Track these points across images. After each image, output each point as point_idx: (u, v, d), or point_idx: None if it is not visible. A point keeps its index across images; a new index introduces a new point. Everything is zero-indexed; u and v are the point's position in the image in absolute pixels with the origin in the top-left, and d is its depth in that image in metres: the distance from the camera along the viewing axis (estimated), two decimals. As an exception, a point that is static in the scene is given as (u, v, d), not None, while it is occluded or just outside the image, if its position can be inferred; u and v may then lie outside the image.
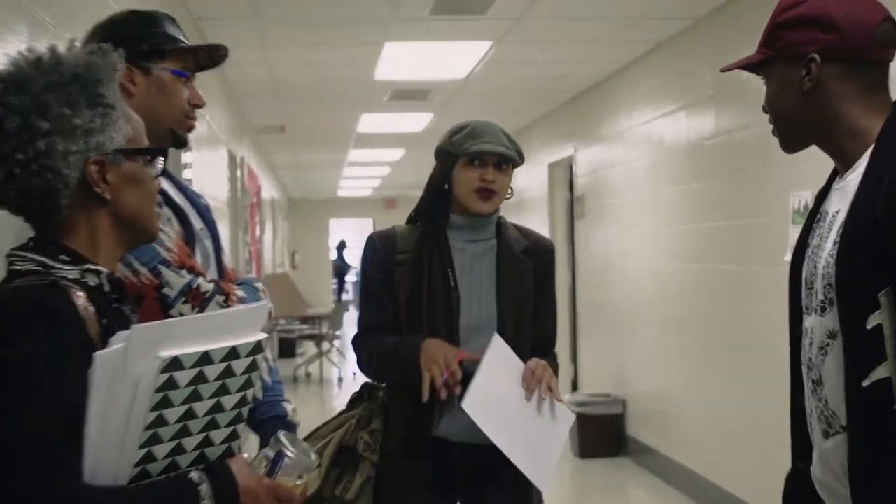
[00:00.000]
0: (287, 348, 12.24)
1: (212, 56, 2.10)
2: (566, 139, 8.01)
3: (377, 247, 2.44)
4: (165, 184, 2.05)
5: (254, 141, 9.34)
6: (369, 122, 8.85)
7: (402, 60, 6.13)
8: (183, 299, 1.85)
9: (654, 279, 6.02)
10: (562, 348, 8.57)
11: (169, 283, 1.84)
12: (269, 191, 11.91)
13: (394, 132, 9.58)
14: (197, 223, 2.08)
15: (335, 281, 21.72)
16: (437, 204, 2.43)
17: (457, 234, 2.42)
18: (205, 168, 5.27)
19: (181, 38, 2.01)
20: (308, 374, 11.03)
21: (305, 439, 2.53)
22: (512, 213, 10.92)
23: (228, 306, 1.91)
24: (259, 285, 2.08)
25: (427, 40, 5.64)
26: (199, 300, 1.86)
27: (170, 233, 1.88)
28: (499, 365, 2.29)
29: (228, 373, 1.37)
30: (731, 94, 4.79)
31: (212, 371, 1.34)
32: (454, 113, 8.41)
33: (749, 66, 1.63)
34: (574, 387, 7.99)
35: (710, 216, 5.23)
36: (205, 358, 1.33)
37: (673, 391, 5.84)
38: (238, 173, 7.19)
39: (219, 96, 6.23)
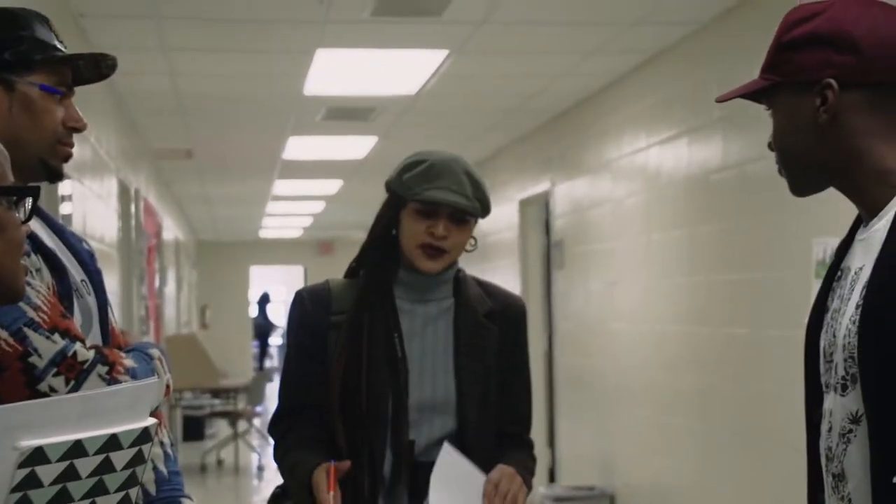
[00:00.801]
0: (194, 429, 12.12)
1: (97, 67, 2.09)
2: (541, 171, 8.08)
3: (306, 306, 2.43)
4: (36, 225, 2.03)
5: (153, 169, 9.32)
6: (298, 147, 8.87)
7: (338, 72, 6.18)
8: (55, 370, 1.82)
9: (648, 345, 6.06)
10: (537, 429, 8.57)
11: (37, 349, 1.81)
12: (172, 230, 11.87)
13: (329, 159, 9.62)
14: (77, 274, 2.06)
15: (256, 344, 21.59)
16: (383, 253, 2.43)
17: (405, 291, 2.42)
18: (88, 202, 5.24)
19: (55, 43, 2.00)
20: (220, 462, 10.92)
21: None
22: (474, 262, 10.98)
23: (113, 380, 1.88)
24: (154, 352, 2.06)
25: (368, 47, 5.69)
26: (74, 371, 1.84)
27: (38, 287, 1.85)
28: (452, 481, 2.29)
29: (107, 467, 1.35)
30: (742, 118, 4.86)
31: (85, 465, 1.32)
32: (403, 136, 8.48)
33: (751, 94, 1.66)
34: (551, 477, 7.99)
35: (717, 267, 5.29)
36: (76, 449, 1.30)
37: (672, 483, 5.85)
38: (132, 208, 7.16)
39: (108, 113, 6.21)
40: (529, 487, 2.39)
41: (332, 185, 11.83)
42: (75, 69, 2.05)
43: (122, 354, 1.97)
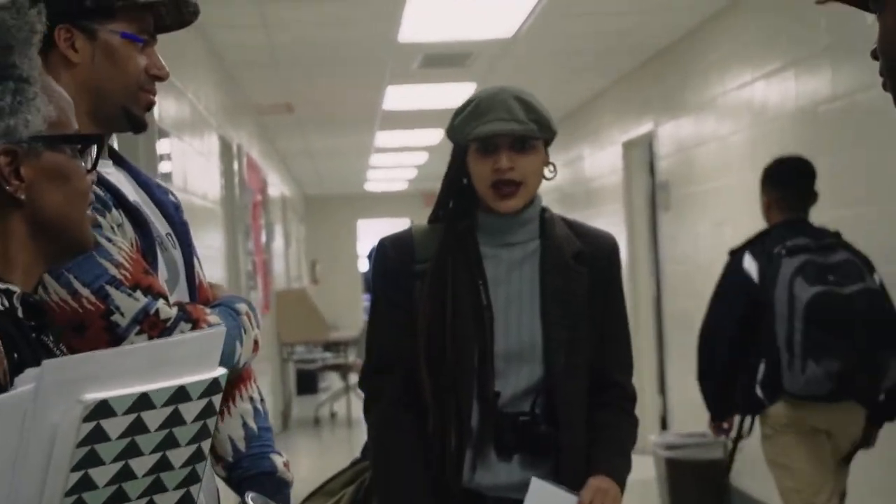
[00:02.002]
0: (307, 382, 12.26)
1: (179, 12, 2.04)
2: (643, 112, 7.90)
3: (389, 255, 2.39)
4: (121, 178, 2.01)
5: (256, 124, 9.36)
6: (397, 97, 8.82)
7: (432, 16, 6.09)
8: (137, 328, 1.80)
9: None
10: (646, 376, 8.51)
11: (119, 307, 1.79)
12: (278, 186, 11.95)
13: (429, 108, 9.54)
14: (162, 228, 2.03)
15: (367, 297, 21.77)
16: (459, 201, 2.38)
17: (488, 237, 2.36)
18: (189, 159, 5.26)
19: None
20: (333, 415, 11.04)
21: (311, 497, 2.47)
22: (579, 206, 10.82)
23: None
24: (241, 307, 2.02)
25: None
26: (158, 329, 1.81)
27: (120, 243, 1.82)
28: None
29: (176, 419, 1.31)
30: (851, 45, 4.67)
31: (153, 418, 1.28)
32: (501, 82, 8.27)
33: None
34: (663, 424, 7.87)
35: (827, 203, 5.08)
36: (143, 401, 1.27)
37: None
38: (234, 165, 7.20)
39: (205, 68, 6.23)
40: (623, 484, 2.31)
41: (433, 135, 11.75)
42: (157, 16, 2.01)
43: (207, 311, 1.93)
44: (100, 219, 1.81)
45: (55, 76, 1.91)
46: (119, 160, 2.07)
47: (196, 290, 2.07)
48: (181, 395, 1.31)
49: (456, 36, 6.65)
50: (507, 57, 7.35)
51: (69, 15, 1.89)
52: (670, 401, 7.74)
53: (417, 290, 2.33)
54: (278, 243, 11.20)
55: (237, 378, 2.05)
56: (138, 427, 1.27)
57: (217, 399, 1.36)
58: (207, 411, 1.35)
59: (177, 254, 2.04)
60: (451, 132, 2.35)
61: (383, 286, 2.39)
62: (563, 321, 2.31)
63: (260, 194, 8.98)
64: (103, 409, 1.24)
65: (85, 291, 1.77)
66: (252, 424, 2.07)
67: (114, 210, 1.86)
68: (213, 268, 5.97)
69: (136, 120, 1.98)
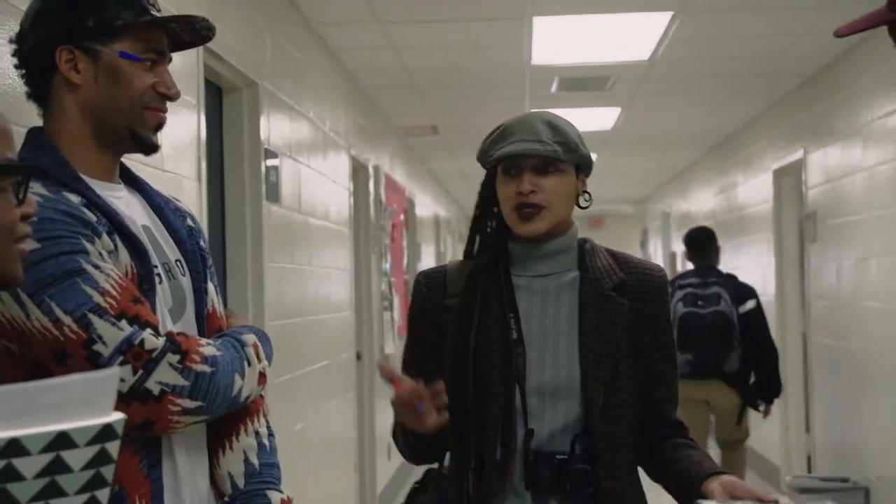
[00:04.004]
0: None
1: (194, 30, 1.96)
2: (794, 139, 7.54)
3: (422, 291, 2.27)
4: (131, 202, 1.93)
5: (402, 145, 9.35)
6: (542, 121, 8.66)
7: (561, 39, 5.93)
8: (121, 358, 1.71)
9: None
10: (793, 415, 8.10)
11: (101, 337, 1.70)
12: (429, 207, 11.94)
13: (576, 132, 9.35)
14: (172, 254, 1.94)
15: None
16: (489, 230, 2.24)
17: (520, 267, 2.21)
18: (306, 179, 5.23)
19: (146, 5, 1.88)
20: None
21: None
22: (732, 234, 10.52)
23: (187, 369, 1.75)
24: (247, 338, 1.91)
25: (586, 12, 5.41)
26: (142, 360, 1.72)
27: (109, 270, 1.74)
28: None
29: (59, 467, 1.20)
30: None
31: (29, 465, 1.17)
32: (646, 106, 8.13)
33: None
34: (808, 465, 7.46)
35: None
36: (12, 447, 1.16)
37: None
38: (369, 186, 7.16)
39: (336, 90, 6.21)
40: None
41: (586, 159, 11.55)
42: (172, 33, 1.94)
43: (203, 342, 1.83)
44: (87, 244, 1.73)
45: (58, 99, 1.86)
46: (134, 183, 2.00)
47: (205, 318, 1.97)
48: (63, 441, 1.19)
49: (589, 59, 6.47)
50: (649, 80, 7.12)
51: (72, 36, 1.83)
52: (816, 440, 7.32)
53: (448, 325, 2.20)
54: (427, 263, 11.15)
55: (242, 412, 1.95)
56: (9, 474, 1.16)
57: (113, 446, 1.24)
58: (100, 459, 1.23)
59: (185, 281, 1.95)
60: (479, 156, 2.23)
61: (415, 323, 2.29)
62: (603, 356, 2.14)
63: (402, 215, 8.94)
64: (-37, 455, 1.13)
65: (67, 319, 1.69)
66: (254, 460, 1.97)
67: (105, 236, 1.78)
68: (338, 288, 5.94)
69: (142, 140, 1.90)
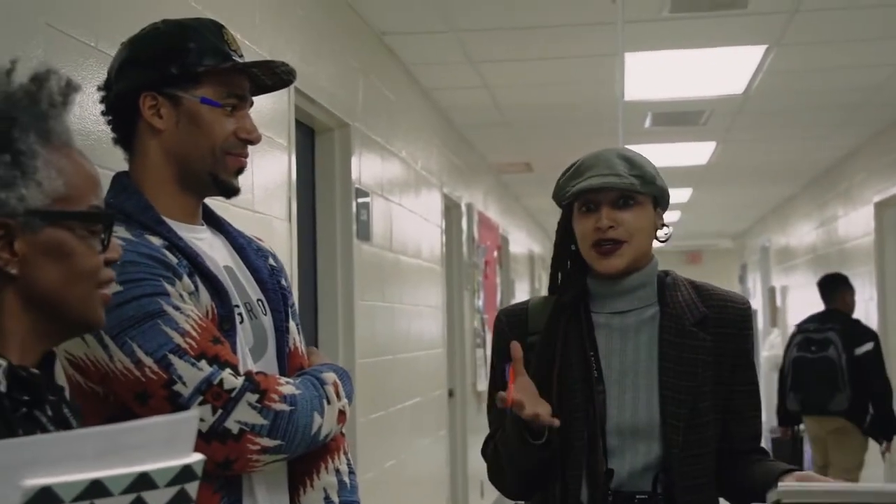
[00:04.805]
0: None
1: (274, 73, 2.00)
2: (895, 170, 7.35)
3: (503, 328, 2.26)
4: (214, 243, 1.97)
5: (495, 183, 9.36)
6: (636, 156, 8.61)
7: (653, 75, 5.90)
8: (200, 398, 1.73)
9: None
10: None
11: (181, 377, 1.73)
12: (523, 244, 11.92)
13: (670, 166, 9.26)
14: (253, 293, 1.97)
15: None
16: (568, 269, 2.22)
17: (600, 304, 2.19)
18: (398, 218, 5.27)
19: (227, 52, 1.92)
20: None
21: None
22: (832, 267, 10.32)
23: (266, 408, 1.77)
24: (328, 376, 1.92)
25: (676, 47, 5.38)
26: (222, 400, 1.74)
27: (189, 311, 1.77)
28: None
29: (139, 508, 1.22)
30: None
31: (109, 506, 1.19)
32: (742, 139, 8.02)
33: None
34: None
35: None
36: (96, 488, 1.18)
37: None
38: (463, 223, 7.18)
39: (428, 129, 6.26)
40: None
41: (681, 194, 11.43)
42: (254, 78, 1.97)
43: (283, 380, 1.84)
44: (168, 287, 1.77)
45: (142, 144, 1.90)
46: (217, 224, 2.03)
47: (286, 357, 1.99)
48: (144, 482, 1.21)
49: (682, 94, 6.43)
50: (743, 114, 7.04)
51: (156, 83, 1.87)
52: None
53: (530, 362, 2.18)
54: (521, 299, 11.13)
55: (322, 450, 1.95)
56: (91, 515, 1.19)
57: (192, 487, 1.26)
58: (180, 499, 1.25)
59: (267, 320, 1.97)
60: (555, 193, 2.22)
61: (497, 360, 2.26)
62: (684, 395, 2.10)
63: (496, 251, 8.95)
64: (47, 497, 1.15)
65: (148, 360, 1.72)
66: (335, 499, 1.97)
67: (185, 277, 1.81)
68: (430, 325, 5.95)
69: (224, 185, 1.93)
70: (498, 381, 2.26)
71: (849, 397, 6.41)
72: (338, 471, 1.99)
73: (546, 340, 2.17)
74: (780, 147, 8.55)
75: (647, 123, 7.26)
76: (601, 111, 6.89)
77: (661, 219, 2.19)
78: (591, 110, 6.89)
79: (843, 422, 6.48)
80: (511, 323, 2.25)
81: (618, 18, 4.83)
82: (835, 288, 6.74)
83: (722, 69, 5.82)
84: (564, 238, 2.22)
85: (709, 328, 2.14)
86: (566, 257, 2.23)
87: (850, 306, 6.70)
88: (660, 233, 2.18)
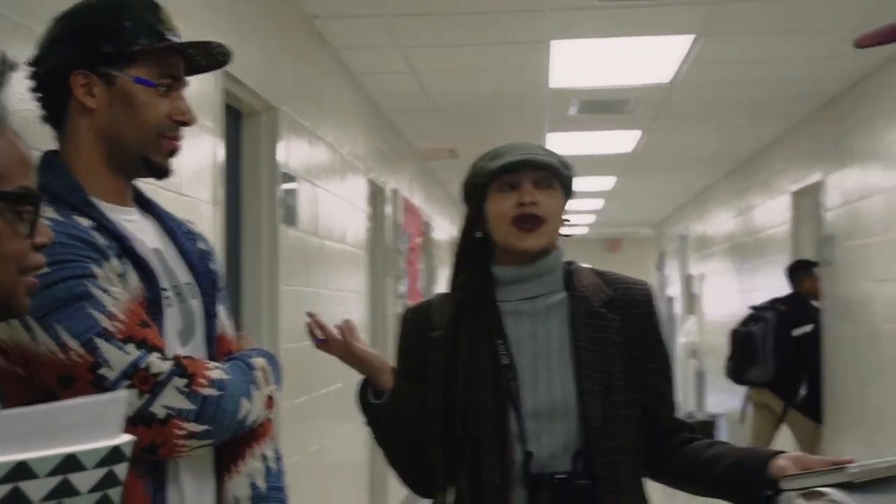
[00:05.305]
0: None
1: (210, 54, 1.96)
2: (813, 161, 7.50)
3: (408, 326, 2.27)
4: (143, 225, 1.93)
5: (420, 169, 9.35)
6: (560, 143, 8.66)
7: (581, 63, 5.92)
8: (127, 383, 1.70)
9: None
10: (806, 433, 8.00)
11: (108, 361, 1.69)
12: (447, 230, 11.93)
13: (595, 154, 9.34)
14: (182, 276, 1.93)
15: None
16: (473, 258, 2.21)
17: (506, 291, 2.19)
18: (324, 203, 5.23)
19: (162, 31, 1.87)
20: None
21: None
22: (750, 256, 10.46)
23: (194, 392, 1.74)
24: (257, 361, 1.90)
25: (604, 35, 5.41)
26: (149, 384, 1.71)
27: (117, 293, 1.73)
28: None
29: (66, 490, 1.18)
30: None
31: (36, 488, 1.16)
32: (667, 128, 8.11)
33: None
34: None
35: None
36: (21, 470, 1.15)
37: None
38: (387, 209, 7.16)
39: (354, 114, 6.23)
40: None
41: (605, 182, 11.54)
42: (189, 58, 1.93)
43: (211, 365, 1.82)
44: (96, 269, 1.73)
45: (73, 123, 1.86)
46: (148, 206, 1.99)
47: (215, 341, 1.97)
48: (71, 463, 1.18)
49: (609, 82, 6.46)
50: (669, 104, 7.11)
51: (88, 61, 1.83)
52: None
53: (433, 357, 2.18)
54: (443, 285, 11.13)
55: (249, 436, 1.93)
56: (17, 498, 1.15)
57: (121, 469, 1.23)
58: (108, 481, 1.22)
59: (196, 304, 1.94)
60: (471, 179, 2.22)
61: (401, 360, 2.26)
62: (598, 373, 2.12)
63: (420, 237, 8.94)
64: (-30, 479, 1.13)
65: (73, 343, 1.68)
66: (261, 484, 1.95)
67: (114, 259, 1.77)
68: (354, 310, 5.93)
69: (155, 167, 1.89)
70: (402, 379, 2.24)
71: (769, 371, 6.90)
72: (264, 456, 1.97)
73: (450, 331, 2.17)
74: (702, 136, 8.66)
75: (574, 111, 7.29)
76: (528, 98, 6.92)
77: (566, 213, 2.21)
78: (518, 97, 6.91)
79: (769, 394, 7.00)
80: (415, 319, 2.25)
81: (546, 5, 4.85)
82: (796, 273, 7.25)
83: (649, 58, 5.86)
84: (472, 225, 2.21)
85: (616, 309, 2.17)
86: (472, 246, 2.22)
87: (813, 291, 7.14)
88: (565, 226, 2.20)
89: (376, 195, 6.88)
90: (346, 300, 5.75)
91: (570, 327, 2.15)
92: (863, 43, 1.38)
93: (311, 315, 2.31)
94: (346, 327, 2.27)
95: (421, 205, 9.16)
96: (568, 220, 2.21)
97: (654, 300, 2.24)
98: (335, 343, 2.27)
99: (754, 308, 7.31)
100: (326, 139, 5.35)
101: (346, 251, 5.77)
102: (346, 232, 5.77)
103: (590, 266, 2.27)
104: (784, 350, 6.91)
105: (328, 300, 5.29)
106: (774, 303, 7.19)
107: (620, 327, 2.16)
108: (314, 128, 5.07)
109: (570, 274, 2.21)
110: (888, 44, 1.34)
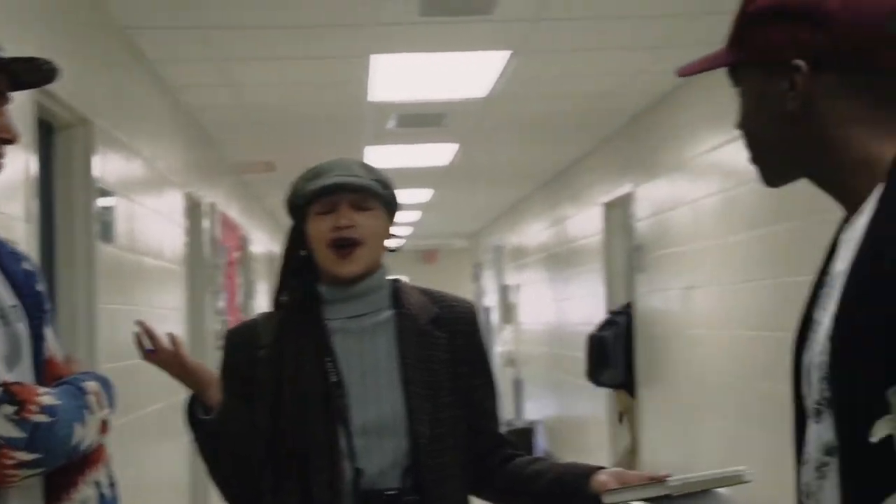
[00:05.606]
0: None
1: (39, 70, 1.90)
2: (623, 173, 7.77)
3: (233, 345, 2.24)
4: None
5: (237, 183, 9.23)
6: (378, 156, 8.70)
7: (400, 77, 5.97)
8: None
9: (726, 352, 5.70)
10: (622, 439, 8.30)
11: None
12: (265, 244, 11.81)
13: (414, 167, 9.42)
14: (8, 298, 1.85)
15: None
16: (297, 277, 2.22)
17: (333, 310, 2.20)
18: (141, 218, 5.10)
19: None
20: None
21: None
22: (562, 266, 10.70)
23: (23, 419, 1.68)
24: (89, 385, 1.85)
25: (424, 50, 5.47)
26: None
27: None
28: None
29: None
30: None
31: None
32: (483, 141, 8.24)
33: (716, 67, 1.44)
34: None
35: (796, 269, 4.91)
36: None
37: (754, 495, 5.46)
38: (205, 224, 7.04)
39: (171, 127, 6.10)
40: None
41: (422, 194, 11.65)
42: (14, 74, 1.87)
43: (41, 390, 1.76)
44: None
45: None
46: None
47: (43, 365, 1.89)
48: None
49: (427, 96, 6.53)
50: (486, 118, 7.23)
51: None
52: (642, 462, 7.50)
53: (260, 377, 2.17)
54: (261, 301, 11.02)
55: (81, 461, 1.87)
56: None
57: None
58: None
59: (21, 327, 1.87)
60: (291, 196, 2.22)
61: (226, 381, 2.22)
62: (425, 390, 2.15)
63: (237, 252, 8.82)
64: None
65: None
66: None
67: None
68: (172, 328, 5.78)
69: None
70: (229, 400, 2.21)
71: (620, 374, 7.20)
72: (98, 483, 1.92)
73: (276, 349, 2.16)
74: (517, 150, 8.84)
75: (392, 124, 7.33)
76: (347, 112, 6.92)
77: (392, 228, 2.23)
78: (338, 111, 6.91)
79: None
80: (239, 339, 2.23)
81: (367, 20, 4.86)
82: None
83: (466, 73, 5.95)
84: (295, 243, 2.21)
85: (442, 326, 2.21)
86: (296, 264, 2.22)
87: None
88: (390, 242, 2.23)
89: (193, 209, 6.76)
90: (165, 317, 5.61)
91: (397, 345, 2.17)
92: (685, 72, 1.45)
93: (140, 324, 2.27)
94: (175, 340, 2.23)
95: (238, 219, 9.04)
96: (395, 236, 2.23)
97: (478, 318, 2.29)
98: (165, 354, 2.22)
99: (611, 313, 7.55)
100: (143, 153, 5.23)
101: (163, 267, 5.65)
102: (163, 247, 5.64)
103: (417, 286, 2.30)
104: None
105: (147, 318, 5.13)
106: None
107: (446, 345, 2.20)
108: (130, 141, 4.95)
109: (397, 292, 2.23)
110: (709, 70, 1.42)
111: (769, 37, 1.33)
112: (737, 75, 1.41)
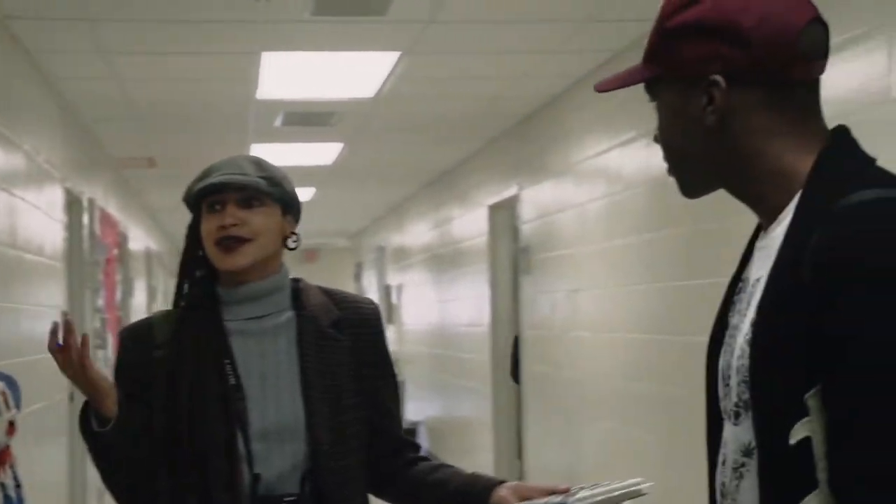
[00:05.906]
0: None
1: None
2: (509, 175, 7.84)
3: (127, 346, 2.19)
4: None
5: (115, 178, 9.04)
6: (264, 154, 8.51)
7: (289, 75, 5.93)
8: None
9: (610, 354, 5.81)
10: (504, 440, 8.39)
11: None
12: (142, 241, 11.58)
13: (296, 166, 9.33)
14: None
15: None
16: (195, 276, 2.20)
17: (232, 311, 2.17)
18: (20, 213, 4.96)
19: None
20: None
21: None
22: (447, 267, 10.76)
23: None
24: None
25: (314, 49, 5.44)
26: None
27: None
28: None
29: None
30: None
31: None
32: (368, 142, 8.23)
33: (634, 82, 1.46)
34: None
35: (679, 273, 5.03)
36: None
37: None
38: (84, 219, 6.87)
39: (50, 120, 5.94)
40: None
41: (304, 193, 11.56)
42: None
43: None
44: None
45: None
46: None
47: None
48: None
49: (315, 95, 6.50)
50: (373, 118, 7.22)
51: None
52: (527, 464, 7.60)
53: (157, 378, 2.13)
54: (139, 299, 10.81)
55: None
56: None
57: None
58: None
59: None
60: (185, 195, 2.20)
61: (119, 380, 2.15)
62: (326, 394, 2.13)
63: (116, 249, 8.64)
64: None
65: None
66: None
67: None
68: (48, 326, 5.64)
69: None
70: (124, 402, 2.15)
71: None
72: (3, 485, 1.87)
73: (174, 350, 2.12)
74: (403, 150, 8.85)
75: (278, 123, 7.27)
76: (234, 109, 6.84)
77: (292, 226, 2.21)
78: (224, 108, 6.82)
79: None
80: (135, 339, 2.18)
81: (258, 17, 4.81)
82: None
83: (356, 73, 5.94)
84: (193, 242, 2.19)
85: (344, 329, 2.20)
86: (194, 264, 2.20)
87: None
88: (288, 241, 2.20)
89: (73, 205, 6.59)
90: (45, 316, 5.46)
91: (297, 347, 2.15)
92: (602, 88, 1.48)
93: (66, 315, 2.19)
94: (85, 341, 2.15)
95: (117, 215, 8.85)
96: (293, 235, 2.20)
97: (380, 320, 2.28)
98: (74, 353, 2.12)
99: None
100: (23, 147, 5.08)
101: (44, 263, 5.50)
102: (43, 243, 5.49)
103: (319, 286, 2.26)
104: None
105: (28, 316, 5.02)
106: None
107: (349, 347, 2.18)
108: (10, 134, 4.80)
109: (298, 292, 2.20)
110: (628, 87, 1.44)
111: (688, 52, 1.36)
112: (654, 90, 1.43)
